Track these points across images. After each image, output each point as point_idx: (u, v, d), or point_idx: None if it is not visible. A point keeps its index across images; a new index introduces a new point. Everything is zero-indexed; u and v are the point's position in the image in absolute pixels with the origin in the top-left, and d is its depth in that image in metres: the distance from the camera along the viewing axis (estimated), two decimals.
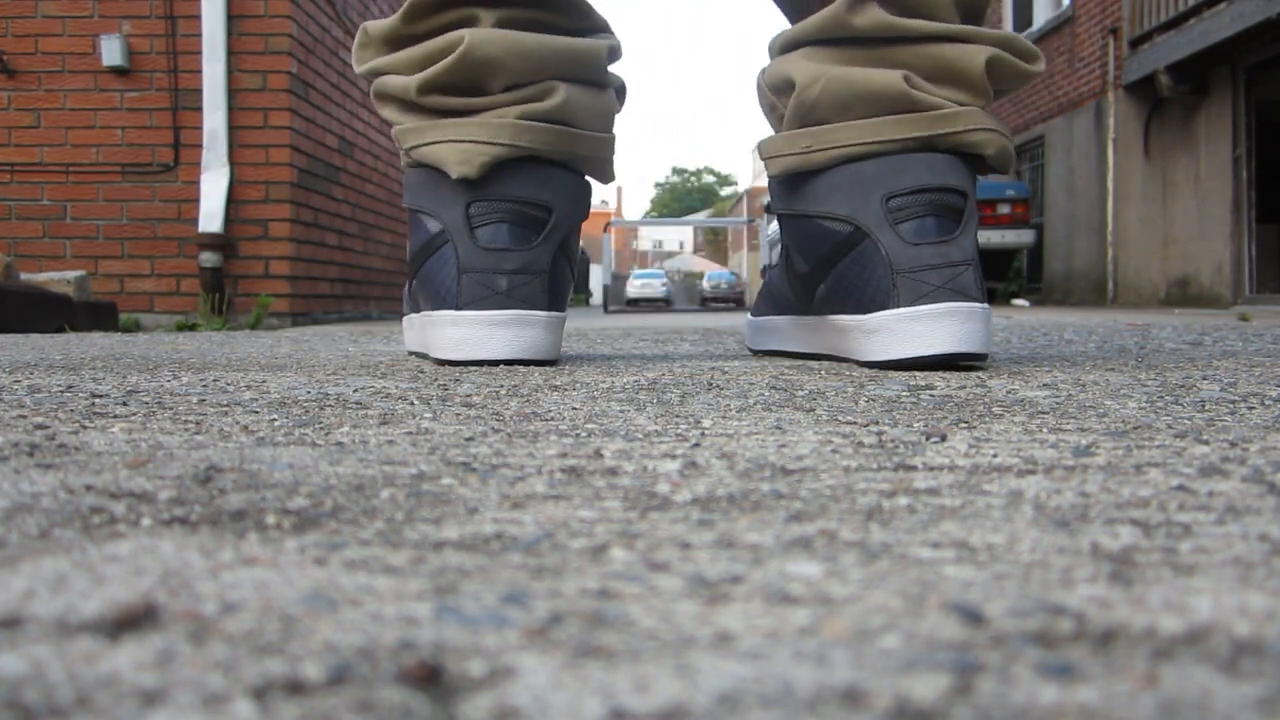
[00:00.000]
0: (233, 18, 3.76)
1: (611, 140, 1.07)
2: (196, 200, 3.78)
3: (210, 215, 3.75)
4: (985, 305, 0.94)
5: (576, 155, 1.03)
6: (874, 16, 0.97)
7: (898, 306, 0.93)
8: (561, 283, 1.03)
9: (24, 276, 3.03)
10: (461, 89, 1.00)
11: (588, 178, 1.07)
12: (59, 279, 3.08)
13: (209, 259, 3.74)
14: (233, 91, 3.77)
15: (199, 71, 3.75)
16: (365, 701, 0.20)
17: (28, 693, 0.20)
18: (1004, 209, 7.73)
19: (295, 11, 3.84)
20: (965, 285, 0.93)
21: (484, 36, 0.98)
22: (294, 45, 3.83)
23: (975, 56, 0.96)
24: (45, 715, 0.19)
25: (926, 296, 0.93)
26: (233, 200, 3.79)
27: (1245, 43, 5.96)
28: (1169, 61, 6.53)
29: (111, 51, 3.73)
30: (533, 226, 1.00)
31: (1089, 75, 7.92)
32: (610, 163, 1.08)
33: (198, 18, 3.74)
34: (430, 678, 0.21)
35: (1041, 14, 9.02)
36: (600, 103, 1.05)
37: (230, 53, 3.76)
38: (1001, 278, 8.17)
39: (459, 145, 0.99)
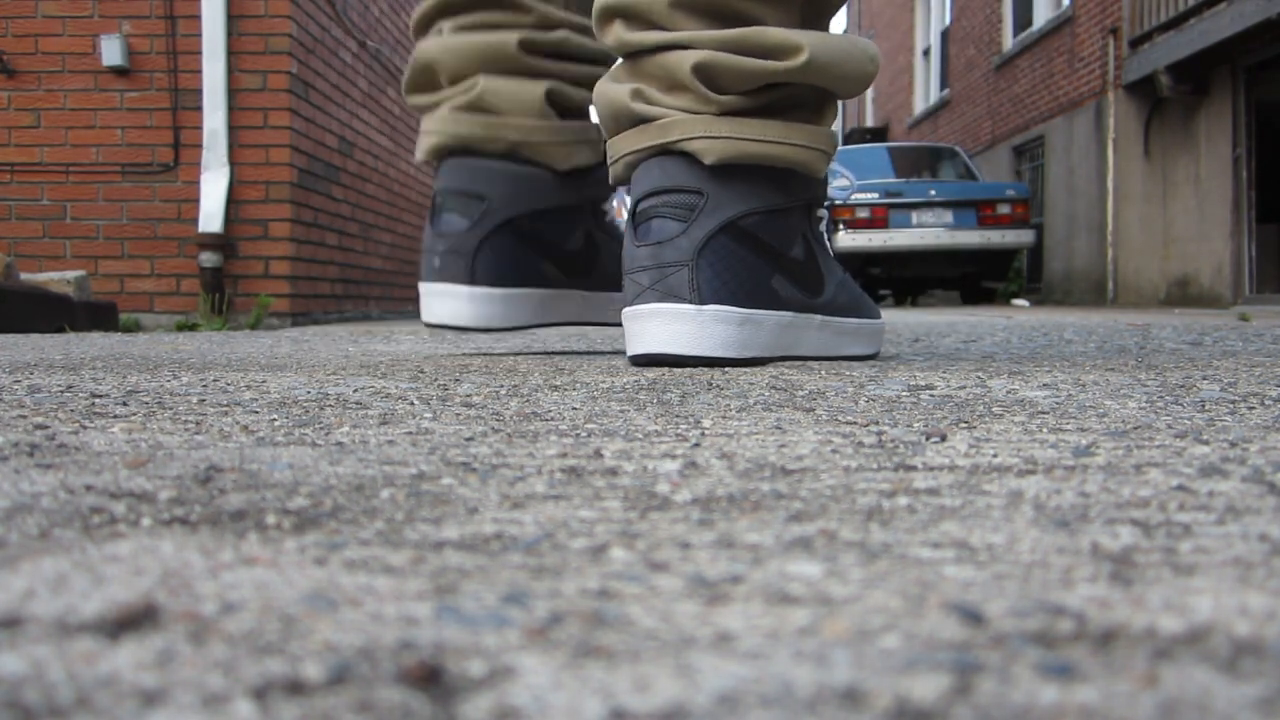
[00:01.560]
0: (233, 18, 3.76)
1: (550, 127, 1.14)
2: (196, 200, 3.78)
3: (210, 215, 3.74)
4: (706, 307, 0.96)
5: (509, 141, 1.13)
6: (614, 34, 1.04)
7: (626, 306, 1.01)
8: (501, 261, 1.15)
9: (24, 276, 3.03)
10: (423, 87, 1.18)
11: (548, 167, 1.17)
12: (59, 279, 3.08)
13: (209, 259, 3.74)
14: (233, 91, 3.77)
15: (199, 71, 3.75)
16: (365, 701, 0.20)
17: (28, 693, 0.20)
18: (1004, 209, 7.73)
19: (295, 11, 3.84)
20: (674, 286, 0.97)
21: (429, 44, 1.14)
22: (294, 45, 3.83)
23: (683, 62, 0.99)
24: (45, 715, 0.19)
25: (639, 297, 0.99)
26: (233, 200, 3.79)
27: (1245, 43, 5.96)
28: (1169, 61, 6.53)
29: (111, 51, 3.73)
30: (466, 213, 1.14)
31: (1089, 75, 7.92)
32: (560, 149, 1.16)
33: (198, 18, 3.74)
34: (430, 678, 0.21)
35: (1041, 14, 9.02)
36: (525, 90, 1.13)
37: (230, 53, 3.76)
38: (1001, 278, 8.17)
39: (421, 135, 1.18)
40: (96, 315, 3.04)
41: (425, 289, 1.18)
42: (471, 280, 1.15)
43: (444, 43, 1.14)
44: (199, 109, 3.77)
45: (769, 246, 1.02)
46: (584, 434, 0.55)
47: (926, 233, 7.68)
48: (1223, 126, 6.43)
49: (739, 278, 0.99)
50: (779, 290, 1.03)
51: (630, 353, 1.01)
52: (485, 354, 1.27)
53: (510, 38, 1.12)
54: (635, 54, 1.04)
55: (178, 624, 0.24)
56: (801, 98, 1.04)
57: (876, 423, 0.58)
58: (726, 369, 0.97)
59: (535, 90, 1.14)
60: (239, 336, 2.12)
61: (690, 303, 0.97)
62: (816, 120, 1.05)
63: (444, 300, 1.16)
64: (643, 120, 1.03)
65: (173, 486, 0.40)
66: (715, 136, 0.99)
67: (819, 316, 1.08)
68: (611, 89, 1.06)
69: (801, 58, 0.98)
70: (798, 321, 1.06)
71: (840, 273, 1.13)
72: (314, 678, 0.21)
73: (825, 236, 1.14)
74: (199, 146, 3.78)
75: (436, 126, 1.15)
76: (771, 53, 0.99)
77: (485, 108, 1.13)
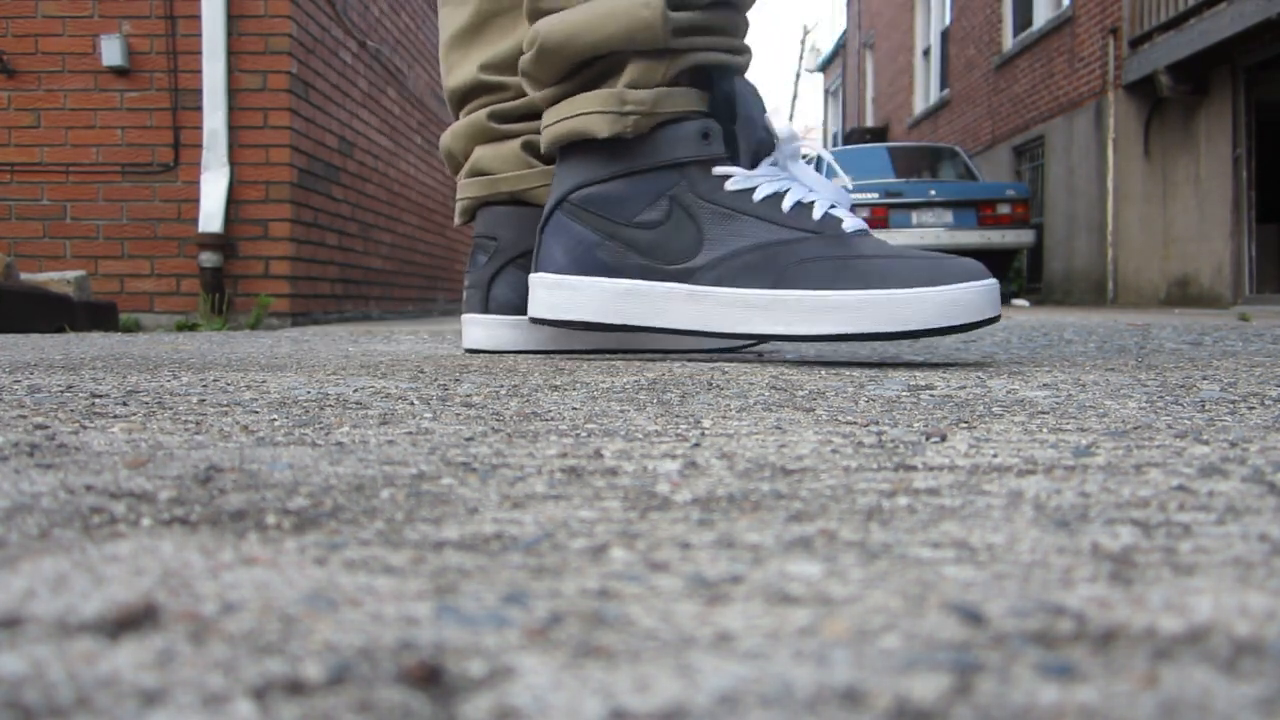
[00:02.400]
0: (233, 18, 3.76)
1: (536, 172, 1.29)
2: (196, 200, 3.78)
3: (210, 215, 3.74)
4: (534, 274, 1.12)
5: (508, 192, 1.30)
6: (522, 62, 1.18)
7: None
8: (512, 293, 1.28)
9: (24, 276, 3.03)
10: (454, 169, 1.40)
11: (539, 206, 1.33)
12: (59, 279, 3.08)
13: (209, 259, 3.74)
14: (233, 91, 3.77)
15: (199, 71, 3.75)
16: (365, 701, 0.20)
17: (28, 693, 0.20)
18: (1004, 209, 7.73)
19: (295, 11, 3.84)
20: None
21: (444, 135, 1.37)
22: (294, 45, 3.83)
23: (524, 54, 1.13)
24: (45, 715, 0.19)
25: None
26: (233, 200, 3.79)
27: (1245, 43, 5.96)
28: (1169, 61, 6.53)
29: (111, 51, 3.73)
30: (486, 253, 1.31)
31: (1089, 75, 7.92)
32: (547, 189, 1.30)
33: (198, 18, 3.74)
34: (430, 678, 0.21)
35: (1041, 14, 9.03)
36: (504, 148, 1.30)
37: (230, 53, 3.76)
38: (1001, 278, 8.17)
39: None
40: (96, 315, 3.04)
41: (462, 319, 1.37)
42: (485, 310, 1.30)
43: (451, 131, 1.37)
44: (199, 109, 3.77)
45: (597, 216, 1.08)
46: (584, 434, 0.55)
47: (926, 233, 7.68)
48: (1223, 126, 6.43)
49: (564, 246, 1.09)
50: (606, 258, 1.07)
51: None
52: (485, 354, 1.27)
53: (483, 114, 1.31)
54: None
55: (178, 624, 0.24)
56: (602, 69, 1.09)
57: (876, 423, 0.58)
58: (726, 369, 0.97)
59: (512, 146, 1.30)
60: (239, 336, 2.12)
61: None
62: (611, 85, 1.08)
63: (469, 328, 1.31)
64: None
65: (173, 486, 0.40)
66: (545, 126, 1.12)
67: (685, 286, 1.03)
68: None
69: (535, 47, 1.09)
70: (648, 290, 1.05)
71: (762, 235, 1.01)
72: (314, 678, 0.21)
73: (738, 196, 1.03)
74: (199, 146, 3.78)
75: (459, 194, 1.37)
76: (529, 46, 1.11)
77: (481, 171, 1.33)
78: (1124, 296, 7.56)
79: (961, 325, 0.93)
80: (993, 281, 0.96)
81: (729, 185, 1.04)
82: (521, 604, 0.26)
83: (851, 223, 1.02)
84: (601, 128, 1.06)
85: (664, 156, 1.06)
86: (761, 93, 1.12)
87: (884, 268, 0.96)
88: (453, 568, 0.29)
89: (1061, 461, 0.45)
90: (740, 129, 1.06)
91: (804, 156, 1.14)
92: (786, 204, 1.02)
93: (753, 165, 1.06)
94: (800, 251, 1.00)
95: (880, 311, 0.94)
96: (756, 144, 1.06)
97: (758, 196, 1.03)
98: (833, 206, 1.04)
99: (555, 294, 1.09)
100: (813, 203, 1.03)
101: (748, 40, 1.15)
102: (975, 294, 0.93)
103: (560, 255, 1.09)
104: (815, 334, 0.97)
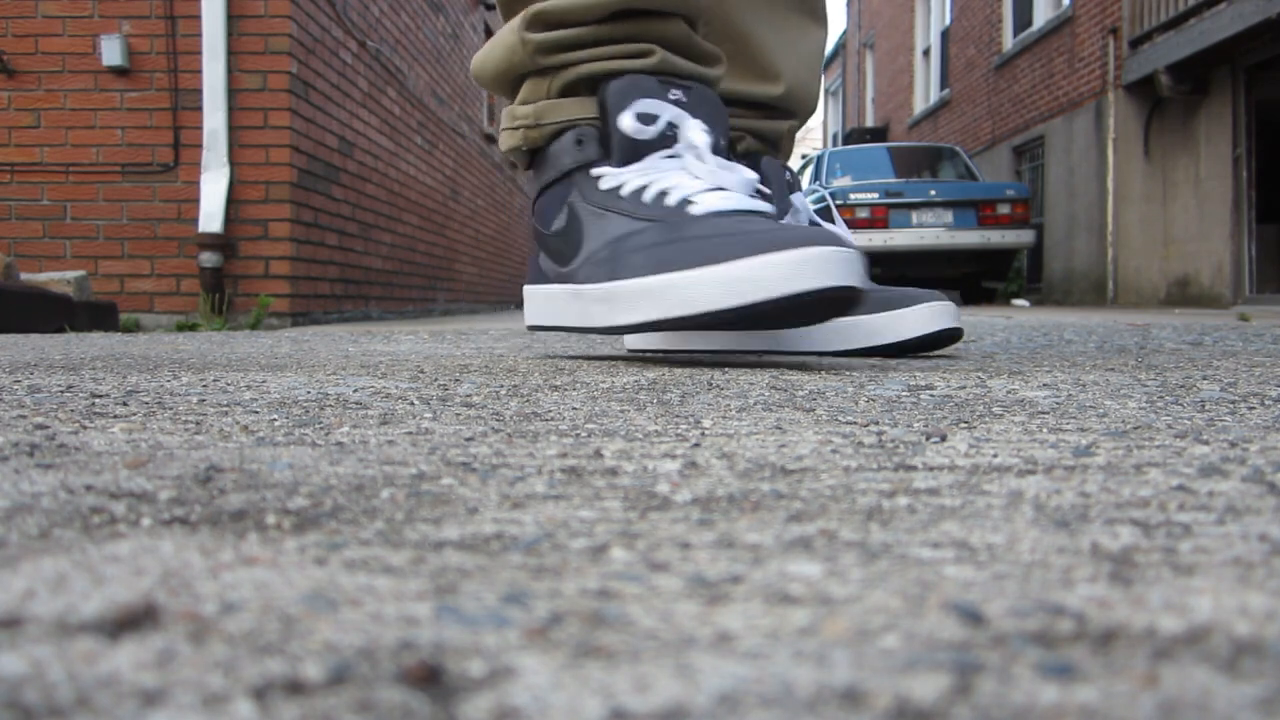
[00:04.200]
0: (233, 18, 3.76)
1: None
2: (196, 200, 3.78)
3: (210, 215, 3.74)
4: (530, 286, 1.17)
5: None
6: None
7: None
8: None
9: (24, 276, 3.03)
10: None
11: None
12: (59, 279, 3.08)
13: (209, 259, 3.74)
14: (233, 91, 3.77)
15: (199, 71, 3.75)
16: (365, 701, 0.20)
17: (28, 693, 0.20)
18: (1004, 209, 7.73)
19: (295, 11, 3.84)
20: None
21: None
22: (294, 45, 3.83)
23: None
24: (45, 715, 0.19)
25: None
26: (233, 200, 3.79)
27: (1245, 43, 5.96)
28: (1169, 61, 6.53)
29: (111, 51, 3.73)
30: None
31: (1089, 75, 7.92)
32: None
33: (198, 18, 3.74)
34: (430, 678, 0.21)
35: (1041, 14, 9.03)
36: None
37: (230, 53, 3.76)
38: (1001, 278, 8.17)
39: None
40: (96, 315, 3.04)
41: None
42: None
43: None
44: (199, 109, 3.77)
45: (534, 228, 1.14)
46: (584, 434, 0.55)
47: (926, 233, 7.68)
48: (1223, 126, 6.43)
49: (531, 257, 1.17)
50: (543, 266, 1.13)
51: None
52: (485, 354, 1.27)
53: None
54: None
55: (178, 624, 0.24)
56: (513, 90, 1.16)
57: (876, 423, 0.58)
58: (726, 369, 0.97)
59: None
60: (239, 336, 2.12)
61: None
62: (509, 103, 1.16)
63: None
64: None
65: (173, 486, 0.40)
66: (501, 132, 1.16)
67: (570, 286, 1.07)
68: None
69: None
70: (560, 293, 1.10)
71: (617, 229, 1.00)
72: (314, 678, 0.21)
73: (608, 194, 1.03)
74: (199, 146, 3.78)
75: None
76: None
77: None
78: (1124, 296, 7.56)
79: (804, 293, 0.83)
80: (846, 251, 0.84)
81: (601, 185, 1.04)
82: (521, 604, 0.26)
83: (710, 204, 0.95)
84: (505, 142, 1.15)
85: (559, 167, 1.09)
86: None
87: (710, 246, 0.88)
88: (453, 568, 0.29)
89: (1061, 461, 0.45)
90: (613, 129, 1.05)
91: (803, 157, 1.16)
92: (648, 196, 0.99)
93: (627, 162, 1.03)
94: (636, 241, 0.96)
95: (710, 290, 0.87)
96: (635, 141, 1.02)
97: (624, 192, 1.01)
98: (712, 191, 0.96)
99: (531, 304, 1.16)
100: (667, 190, 0.98)
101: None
102: (808, 259, 0.83)
103: (531, 266, 1.18)
104: (649, 320, 0.92)
